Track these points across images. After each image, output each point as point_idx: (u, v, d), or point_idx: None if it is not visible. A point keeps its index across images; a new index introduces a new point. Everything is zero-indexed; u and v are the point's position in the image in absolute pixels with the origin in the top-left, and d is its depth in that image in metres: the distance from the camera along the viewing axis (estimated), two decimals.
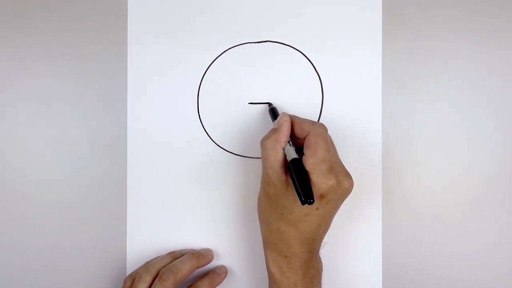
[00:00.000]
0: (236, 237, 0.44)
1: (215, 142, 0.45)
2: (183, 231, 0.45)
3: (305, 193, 0.32)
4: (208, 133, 0.45)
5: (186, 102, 0.45)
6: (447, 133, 0.43)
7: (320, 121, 0.43)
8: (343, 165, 0.36)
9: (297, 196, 0.33)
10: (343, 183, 0.35)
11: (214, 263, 0.44)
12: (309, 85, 0.44)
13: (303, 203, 0.32)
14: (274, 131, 0.37)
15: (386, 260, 0.43)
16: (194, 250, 0.43)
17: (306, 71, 0.44)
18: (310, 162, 0.34)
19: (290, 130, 0.36)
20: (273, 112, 0.41)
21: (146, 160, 0.45)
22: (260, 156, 0.44)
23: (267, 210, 0.37)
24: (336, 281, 0.44)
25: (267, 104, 0.43)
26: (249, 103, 0.45)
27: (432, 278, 0.43)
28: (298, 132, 0.37)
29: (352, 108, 0.43)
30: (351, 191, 0.36)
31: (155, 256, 0.44)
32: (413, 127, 0.43)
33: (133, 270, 0.42)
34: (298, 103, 0.44)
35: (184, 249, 0.44)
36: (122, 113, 0.45)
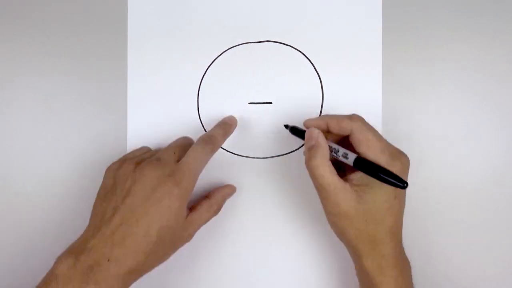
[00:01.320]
0: (236, 236, 0.44)
1: None
2: None
3: (398, 179, 0.32)
4: None
5: (186, 102, 0.45)
6: (447, 133, 0.43)
7: None
8: (392, 145, 0.36)
9: (377, 196, 0.34)
10: (403, 161, 0.35)
11: (214, 264, 0.44)
12: (309, 85, 0.44)
13: (403, 187, 0.32)
14: (315, 148, 0.35)
15: None
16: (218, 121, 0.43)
17: (306, 71, 0.44)
18: (371, 159, 0.34)
19: (325, 140, 0.36)
20: (296, 131, 0.40)
21: None
22: (260, 156, 0.44)
23: (350, 226, 0.35)
24: (336, 281, 0.43)
25: (284, 126, 0.42)
26: (249, 103, 0.45)
27: (432, 277, 0.43)
28: (338, 131, 0.36)
29: (352, 108, 0.43)
30: (409, 165, 0.36)
31: None
32: (413, 127, 0.43)
33: None
34: (298, 103, 0.44)
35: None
36: (122, 113, 0.45)
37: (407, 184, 0.32)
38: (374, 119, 0.43)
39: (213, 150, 0.39)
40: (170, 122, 0.45)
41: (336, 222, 0.36)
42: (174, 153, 0.38)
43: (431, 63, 0.43)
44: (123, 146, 0.45)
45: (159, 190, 0.34)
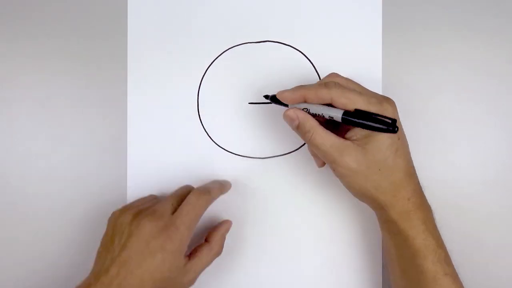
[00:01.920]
0: (236, 236, 0.44)
1: (215, 142, 0.45)
2: None
3: (388, 124, 0.33)
4: (208, 133, 0.45)
5: (186, 102, 0.45)
6: (447, 132, 0.43)
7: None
8: (373, 92, 0.36)
9: (380, 143, 0.34)
10: (392, 103, 0.35)
11: (219, 265, 0.44)
12: None
13: (395, 131, 0.33)
14: (301, 125, 0.36)
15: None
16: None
17: (306, 71, 0.44)
18: (363, 109, 0.34)
19: (306, 113, 0.36)
20: (276, 99, 0.39)
21: (146, 160, 0.45)
22: (260, 156, 0.44)
23: (366, 181, 0.35)
24: (336, 281, 0.44)
25: (264, 97, 0.41)
26: (249, 103, 0.45)
27: None
28: (317, 101, 0.35)
29: None
30: (396, 105, 0.36)
31: None
32: (413, 127, 0.43)
33: None
34: None
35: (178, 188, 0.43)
36: (122, 113, 0.45)
37: (397, 128, 0.33)
38: None
39: (208, 202, 0.39)
40: (170, 122, 0.45)
41: (352, 182, 0.36)
42: (172, 204, 0.38)
43: (431, 63, 0.43)
44: (123, 147, 0.45)
45: (153, 244, 0.35)
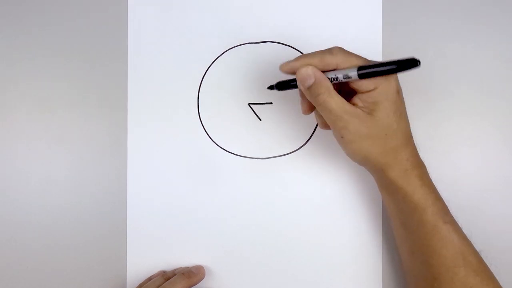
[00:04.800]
0: (236, 236, 0.44)
1: (215, 142, 0.45)
2: (183, 231, 0.45)
3: (407, 60, 0.32)
4: (208, 133, 0.45)
5: (186, 102, 0.45)
6: (447, 132, 0.43)
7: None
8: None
9: (386, 110, 0.34)
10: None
11: (215, 262, 0.44)
12: None
13: (419, 63, 0.32)
14: (316, 85, 0.34)
15: (386, 260, 0.43)
16: (185, 268, 0.44)
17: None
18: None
19: (320, 71, 0.35)
20: (284, 83, 0.38)
21: (146, 160, 0.45)
22: (260, 156, 0.44)
23: (373, 145, 0.35)
24: (336, 281, 0.44)
25: (269, 88, 0.40)
26: (249, 104, 0.45)
27: None
28: (323, 68, 0.35)
29: None
30: None
31: (155, 254, 0.44)
32: (413, 127, 0.43)
33: (133, 268, 0.42)
34: (298, 103, 0.44)
35: (176, 268, 0.44)
36: (122, 114, 0.45)
37: (419, 61, 0.32)
38: None
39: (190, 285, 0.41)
40: (170, 122, 0.45)
41: (358, 148, 0.36)
42: None
43: (431, 63, 0.43)
44: (123, 147, 0.45)
45: None
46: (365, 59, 0.35)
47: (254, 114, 0.44)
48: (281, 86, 0.38)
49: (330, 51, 0.35)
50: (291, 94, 0.44)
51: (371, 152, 0.36)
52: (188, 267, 0.44)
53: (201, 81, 0.45)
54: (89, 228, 0.45)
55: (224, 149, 0.45)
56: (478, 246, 0.37)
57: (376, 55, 0.43)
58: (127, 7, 0.45)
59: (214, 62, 0.45)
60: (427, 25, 0.43)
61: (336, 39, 0.44)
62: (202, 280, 0.43)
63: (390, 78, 0.34)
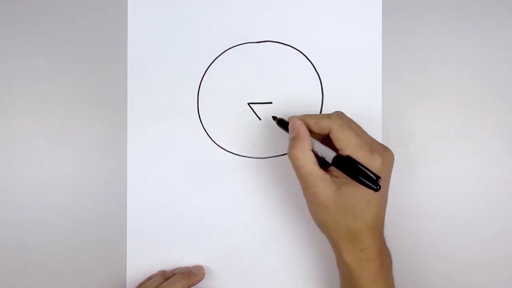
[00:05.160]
0: (236, 236, 0.44)
1: (215, 142, 0.45)
2: (183, 231, 0.45)
3: (372, 181, 0.32)
4: (208, 133, 0.45)
5: (186, 102, 0.45)
6: (447, 131, 0.43)
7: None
8: (376, 140, 0.36)
9: (357, 189, 0.33)
10: (386, 156, 0.35)
11: (215, 262, 0.44)
12: (309, 85, 0.44)
13: (376, 190, 0.32)
14: (296, 138, 0.36)
15: None
16: (185, 268, 0.44)
17: (306, 71, 0.44)
18: (349, 154, 0.34)
19: (308, 131, 0.36)
20: (282, 122, 0.40)
21: (146, 160, 0.45)
22: (260, 156, 0.44)
23: (328, 217, 0.35)
24: (336, 281, 0.44)
25: (272, 118, 0.42)
26: (249, 103, 0.45)
27: (434, 278, 0.43)
28: (317, 130, 0.36)
29: (352, 107, 0.43)
30: (394, 160, 0.36)
31: (155, 254, 0.44)
32: (413, 126, 0.43)
33: (133, 268, 0.42)
34: (298, 103, 0.44)
35: (176, 268, 0.44)
36: (122, 114, 0.45)
37: (379, 187, 0.32)
38: (374, 119, 0.43)
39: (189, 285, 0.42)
40: (170, 122, 0.45)
41: (315, 213, 0.36)
42: None
43: (431, 62, 0.43)
44: (123, 147, 0.45)
45: None
46: (359, 133, 0.35)
47: (254, 113, 0.44)
48: (281, 123, 0.40)
49: (329, 116, 0.36)
50: (291, 94, 0.44)
51: (327, 223, 0.36)
52: (188, 267, 0.44)
53: (201, 81, 0.45)
54: (89, 228, 0.45)
55: (224, 149, 0.45)
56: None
57: (376, 55, 0.43)
58: (127, 7, 0.45)
59: (214, 62, 0.45)
60: (427, 25, 0.43)
61: (336, 39, 0.44)
62: (202, 280, 0.43)
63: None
